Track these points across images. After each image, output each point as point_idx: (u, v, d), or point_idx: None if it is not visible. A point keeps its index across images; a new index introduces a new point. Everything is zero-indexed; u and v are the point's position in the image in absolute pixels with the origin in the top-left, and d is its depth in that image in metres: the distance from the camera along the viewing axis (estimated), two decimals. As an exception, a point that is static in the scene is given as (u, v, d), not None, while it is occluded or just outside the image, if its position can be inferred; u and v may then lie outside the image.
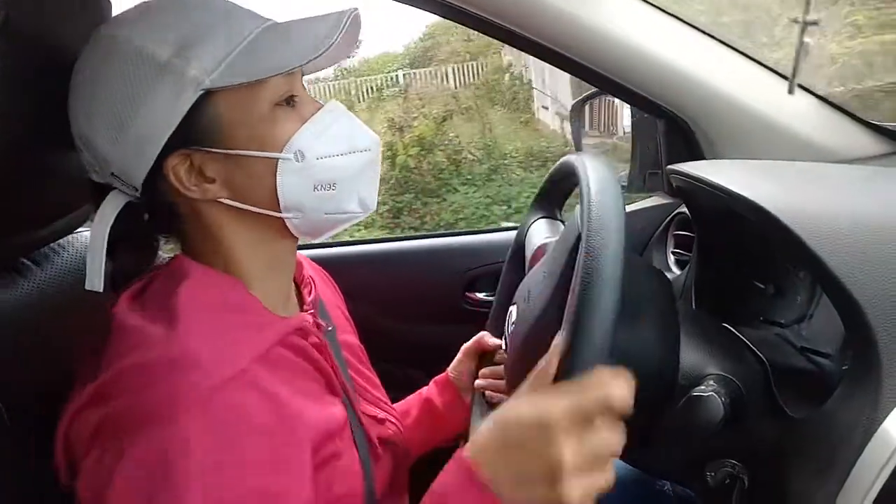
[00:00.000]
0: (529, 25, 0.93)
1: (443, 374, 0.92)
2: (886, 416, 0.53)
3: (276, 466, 0.55)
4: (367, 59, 10.39)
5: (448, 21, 1.01)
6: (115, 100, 0.59)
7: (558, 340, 0.53)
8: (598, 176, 0.58)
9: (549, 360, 0.52)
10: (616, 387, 0.48)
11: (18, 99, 0.59)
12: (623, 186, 1.14)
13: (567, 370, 0.49)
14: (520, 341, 0.69)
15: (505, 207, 4.38)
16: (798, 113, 0.92)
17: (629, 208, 1.18)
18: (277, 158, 0.61)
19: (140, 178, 0.61)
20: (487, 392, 0.83)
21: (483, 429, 0.53)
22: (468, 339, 0.92)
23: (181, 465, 0.50)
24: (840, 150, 0.91)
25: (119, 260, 0.65)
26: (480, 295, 1.18)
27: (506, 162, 5.10)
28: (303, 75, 0.67)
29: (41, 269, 0.71)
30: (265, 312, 0.64)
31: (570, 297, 0.52)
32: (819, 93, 0.93)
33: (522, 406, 0.51)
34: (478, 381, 0.86)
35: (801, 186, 0.69)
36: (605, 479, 0.49)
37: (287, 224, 0.64)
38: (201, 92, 0.58)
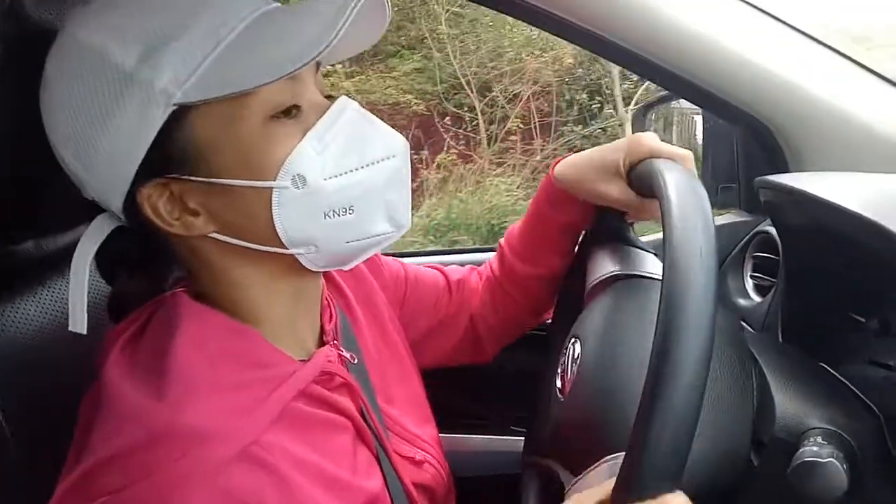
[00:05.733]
0: (599, 22, 0.83)
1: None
2: None
3: None
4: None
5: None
6: (77, 116, 0.49)
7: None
8: (682, 206, 0.49)
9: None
10: None
11: (28, 85, 0.53)
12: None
13: (625, 489, 0.45)
14: (585, 386, 0.60)
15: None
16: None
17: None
18: (271, 187, 0.50)
19: (118, 207, 0.52)
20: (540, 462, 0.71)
21: None
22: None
23: None
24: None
25: (121, 285, 0.57)
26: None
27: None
28: (318, 68, 0.55)
29: (63, 278, 0.66)
30: (282, 360, 0.55)
31: (641, 396, 0.44)
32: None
33: None
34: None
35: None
36: None
37: (300, 260, 0.54)
38: (173, 108, 0.48)
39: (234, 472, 0.46)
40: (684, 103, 1.07)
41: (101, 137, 0.49)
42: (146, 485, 0.44)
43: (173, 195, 0.51)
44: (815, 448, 0.49)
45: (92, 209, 0.63)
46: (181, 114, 0.49)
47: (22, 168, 0.56)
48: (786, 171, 0.88)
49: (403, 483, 0.62)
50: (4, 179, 0.56)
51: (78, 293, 0.53)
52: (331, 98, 0.54)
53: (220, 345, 0.52)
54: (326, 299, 0.65)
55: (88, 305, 0.63)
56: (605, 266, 0.68)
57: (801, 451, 0.49)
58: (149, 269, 0.58)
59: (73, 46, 0.50)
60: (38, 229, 0.63)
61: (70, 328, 0.53)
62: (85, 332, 0.53)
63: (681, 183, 0.52)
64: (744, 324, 0.85)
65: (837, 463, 0.47)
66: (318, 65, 0.55)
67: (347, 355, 0.63)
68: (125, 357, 0.51)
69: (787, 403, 0.55)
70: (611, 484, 0.47)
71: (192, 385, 0.48)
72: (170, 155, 0.50)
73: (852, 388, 0.60)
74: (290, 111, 0.51)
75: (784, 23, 0.83)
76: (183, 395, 0.47)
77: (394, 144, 0.55)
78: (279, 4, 0.54)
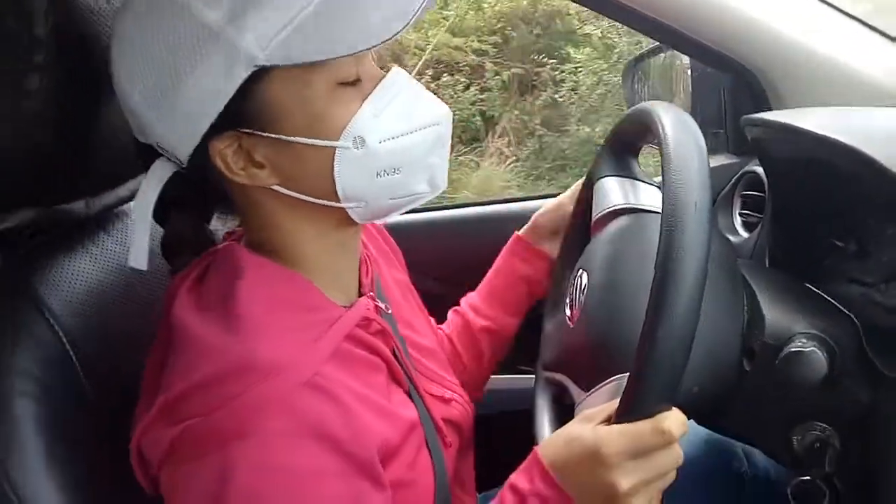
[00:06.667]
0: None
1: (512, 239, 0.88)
2: None
3: (349, 479, 0.53)
4: None
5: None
6: (156, 64, 0.52)
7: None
8: (678, 144, 0.54)
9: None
10: (673, 427, 0.51)
11: (79, 52, 0.58)
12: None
13: (628, 410, 0.52)
14: (592, 313, 0.66)
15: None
16: (886, 62, 0.86)
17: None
18: (334, 147, 0.55)
19: (185, 155, 0.56)
20: (551, 376, 0.77)
21: (552, 439, 0.58)
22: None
23: (243, 480, 0.49)
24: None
25: (173, 226, 0.62)
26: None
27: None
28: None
29: (108, 234, 0.71)
30: (329, 306, 0.60)
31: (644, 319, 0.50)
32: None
33: (585, 429, 0.55)
34: None
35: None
36: (664, 483, 0.53)
37: (349, 213, 0.59)
38: (254, 69, 0.52)
39: (303, 398, 0.51)
40: (677, 57, 1.12)
41: (179, 89, 0.53)
42: (229, 409, 0.50)
43: (241, 147, 0.55)
44: (798, 344, 0.56)
45: (129, 171, 0.68)
46: (259, 74, 0.52)
47: (76, 135, 0.61)
48: (770, 113, 0.93)
49: (433, 418, 0.68)
50: (61, 145, 0.60)
51: (140, 232, 0.58)
52: (383, 69, 0.59)
53: (276, 290, 0.57)
54: (364, 258, 0.70)
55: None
56: (609, 199, 0.73)
57: (787, 347, 0.56)
58: (200, 213, 0.63)
59: (158, 1, 0.53)
60: (88, 189, 0.68)
61: (130, 263, 0.58)
62: (145, 268, 0.58)
63: (677, 121, 0.57)
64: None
65: (818, 352, 0.54)
66: None
67: (382, 305, 0.68)
68: (191, 301, 0.56)
69: (776, 315, 0.61)
70: (615, 404, 0.54)
71: (258, 324, 0.53)
72: (244, 111, 0.54)
73: (834, 302, 0.66)
74: (354, 81, 0.55)
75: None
76: (251, 333, 0.53)
77: (439, 112, 0.59)
78: None
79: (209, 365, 0.52)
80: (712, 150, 1.08)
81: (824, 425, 0.61)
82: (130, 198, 0.73)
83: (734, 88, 0.98)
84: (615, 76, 4.31)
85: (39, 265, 0.63)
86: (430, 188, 0.61)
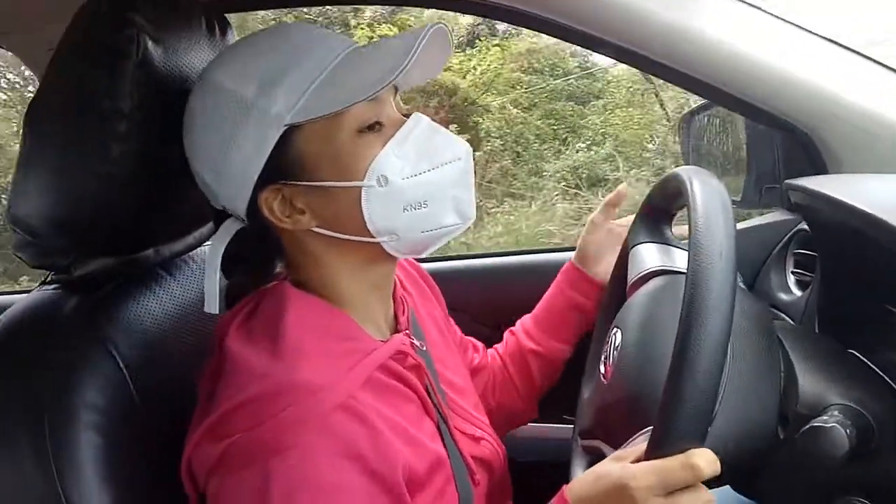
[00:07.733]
0: (631, 37, 0.90)
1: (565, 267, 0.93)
2: None
3: (373, 496, 0.57)
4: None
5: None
6: (209, 141, 0.62)
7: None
8: (706, 202, 0.55)
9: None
10: (702, 463, 0.51)
11: (155, 124, 0.66)
12: (735, 202, 1.09)
13: (657, 446, 0.52)
14: (625, 369, 0.67)
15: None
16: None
17: (745, 224, 1.11)
18: (360, 186, 0.61)
19: (242, 211, 0.64)
20: (587, 444, 0.78)
21: (582, 477, 0.59)
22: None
23: (280, 491, 0.54)
24: None
25: (236, 278, 0.69)
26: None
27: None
28: (396, 91, 0.66)
29: (173, 278, 0.78)
30: (366, 338, 0.65)
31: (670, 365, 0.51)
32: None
33: (614, 466, 0.56)
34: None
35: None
36: None
37: (384, 247, 0.64)
38: (284, 128, 0.59)
39: (337, 418, 0.56)
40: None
41: (228, 157, 0.61)
42: (270, 426, 0.55)
43: (284, 198, 0.63)
44: (825, 417, 0.55)
45: (194, 223, 0.75)
46: (289, 133, 0.60)
47: (151, 195, 0.69)
48: (824, 171, 0.92)
49: (463, 454, 0.71)
50: (138, 203, 0.68)
51: (212, 282, 0.65)
52: (407, 115, 0.65)
53: (319, 321, 0.63)
54: (401, 298, 0.75)
55: (192, 301, 0.75)
56: (645, 263, 0.75)
57: (814, 420, 0.55)
58: (260, 266, 0.70)
59: (208, 88, 0.63)
60: (158, 240, 0.75)
61: (206, 309, 0.65)
62: (217, 312, 0.65)
63: (703, 180, 0.59)
64: (784, 316, 0.90)
65: (840, 428, 0.53)
66: (395, 88, 0.65)
67: (417, 343, 0.72)
68: (241, 333, 0.62)
69: (810, 383, 0.60)
70: (645, 446, 0.54)
71: (302, 351, 0.59)
72: (281, 166, 0.61)
73: (880, 373, 0.64)
74: (373, 126, 0.62)
75: (812, 32, 0.88)
76: (295, 358, 0.58)
77: (459, 149, 0.64)
78: (365, 44, 0.65)
79: (254, 387, 0.57)
80: (767, 204, 1.06)
81: (861, 499, 0.59)
82: (194, 246, 0.80)
83: (787, 145, 0.97)
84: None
85: (110, 308, 0.70)
86: (461, 219, 0.65)
